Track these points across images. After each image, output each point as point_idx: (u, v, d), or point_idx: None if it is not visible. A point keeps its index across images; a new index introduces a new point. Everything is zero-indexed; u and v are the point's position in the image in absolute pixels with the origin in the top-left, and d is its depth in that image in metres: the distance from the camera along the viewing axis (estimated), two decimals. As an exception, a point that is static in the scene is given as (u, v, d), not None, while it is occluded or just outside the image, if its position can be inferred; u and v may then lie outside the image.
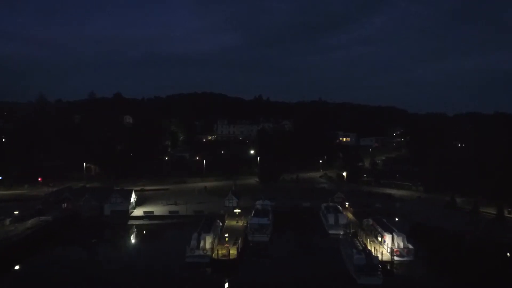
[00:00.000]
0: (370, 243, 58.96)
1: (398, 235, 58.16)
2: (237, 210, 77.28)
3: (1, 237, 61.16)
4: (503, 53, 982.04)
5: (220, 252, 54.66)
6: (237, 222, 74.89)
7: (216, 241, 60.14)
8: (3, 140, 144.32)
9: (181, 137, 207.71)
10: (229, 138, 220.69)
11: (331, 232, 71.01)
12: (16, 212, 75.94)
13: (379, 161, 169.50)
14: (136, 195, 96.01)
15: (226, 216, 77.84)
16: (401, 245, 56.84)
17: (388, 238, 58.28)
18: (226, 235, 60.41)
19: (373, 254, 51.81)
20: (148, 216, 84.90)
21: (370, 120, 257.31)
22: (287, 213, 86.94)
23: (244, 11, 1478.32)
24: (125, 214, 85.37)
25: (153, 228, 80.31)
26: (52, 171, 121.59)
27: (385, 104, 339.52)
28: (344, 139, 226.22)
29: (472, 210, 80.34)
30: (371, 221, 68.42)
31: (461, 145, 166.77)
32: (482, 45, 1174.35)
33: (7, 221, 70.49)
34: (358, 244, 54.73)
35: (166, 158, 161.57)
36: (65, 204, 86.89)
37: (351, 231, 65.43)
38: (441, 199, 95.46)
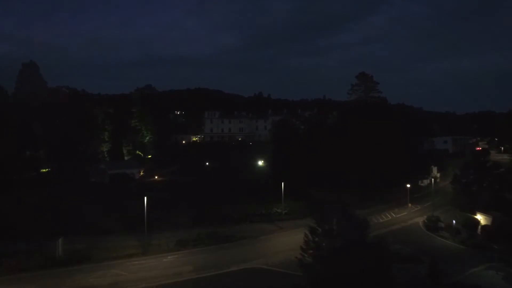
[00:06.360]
0: None
1: None
2: None
3: None
4: (502, 53, 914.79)
5: None
6: None
7: None
8: None
9: (148, 137, 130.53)
10: (223, 138, 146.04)
11: None
12: None
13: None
14: None
15: None
16: None
17: None
18: None
19: None
20: None
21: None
22: None
23: (243, 11, 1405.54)
24: None
25: None
26: None
27: (392, 102, 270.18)
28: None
29: None
30: None
31: None
32: (482, 45, 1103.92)
33: None
34: None
35: (93, 180, 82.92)
36: None
37: None
38: None
